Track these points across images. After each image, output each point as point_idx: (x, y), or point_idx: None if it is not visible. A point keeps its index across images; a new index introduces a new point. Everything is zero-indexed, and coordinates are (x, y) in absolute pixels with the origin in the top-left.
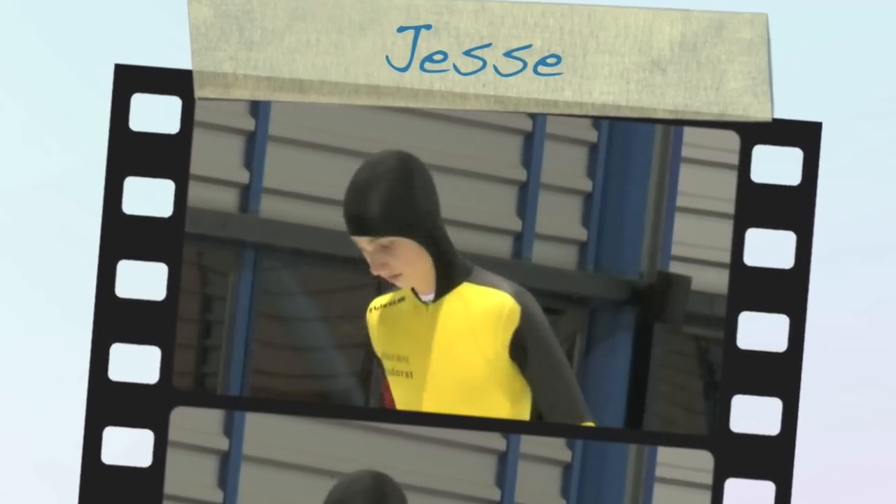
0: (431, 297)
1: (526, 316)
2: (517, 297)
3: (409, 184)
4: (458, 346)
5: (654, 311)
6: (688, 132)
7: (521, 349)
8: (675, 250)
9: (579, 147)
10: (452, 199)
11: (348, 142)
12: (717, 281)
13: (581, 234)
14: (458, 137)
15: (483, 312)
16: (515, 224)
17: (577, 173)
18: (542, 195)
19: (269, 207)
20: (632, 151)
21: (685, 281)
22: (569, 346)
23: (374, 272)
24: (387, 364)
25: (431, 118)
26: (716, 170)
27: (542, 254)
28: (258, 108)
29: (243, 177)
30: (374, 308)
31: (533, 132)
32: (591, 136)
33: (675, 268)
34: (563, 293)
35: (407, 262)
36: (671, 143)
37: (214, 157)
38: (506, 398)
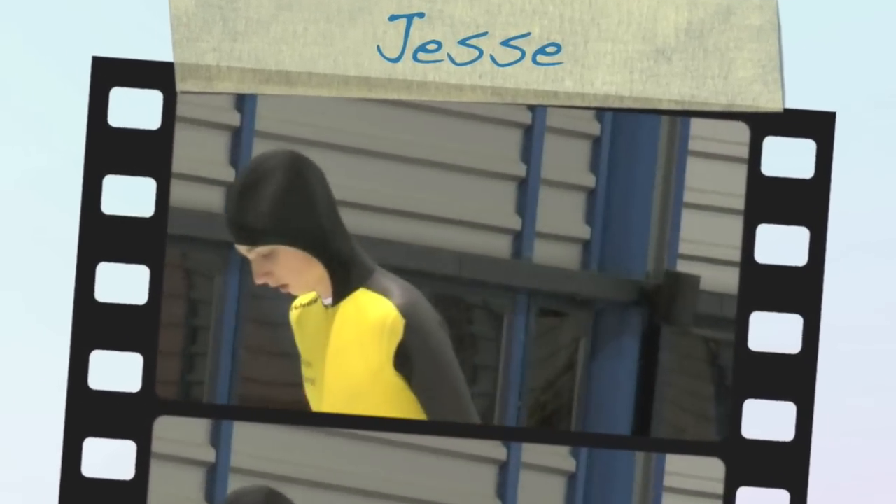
0: (330, 301)
1: (411, 328)
2: (404, 308)
3: (292, 187)
4: (347, 355)
5: (662, 312)
6: (695, 124)
7: (407, 362)
8: (683, 248)
9: (581, 140)
10: (448, 197)
11: (338, 137)
12: (727, 280)
13: (584, 231)
14: (454, 131)
15: (369, 322)
16: (515, 222)
17: (580, 168)
18: (542, 191)
19: None
20: (636, 145)
21: (694, 280)
22: (572, 351)
23: (258, 282)
24: (302, 368)
25: (425, 111)
26: (725, 163)
27: (544, 253)
28: (243, 102)
29: (228, 174)
30: (295, 307)
31: (532, 125)
32: (594, 128)
33: (683, 267)
34: (566, 294)
35: (291, 270)
36: (678, 135)
37: (198, 153)
38: (393, 411)
